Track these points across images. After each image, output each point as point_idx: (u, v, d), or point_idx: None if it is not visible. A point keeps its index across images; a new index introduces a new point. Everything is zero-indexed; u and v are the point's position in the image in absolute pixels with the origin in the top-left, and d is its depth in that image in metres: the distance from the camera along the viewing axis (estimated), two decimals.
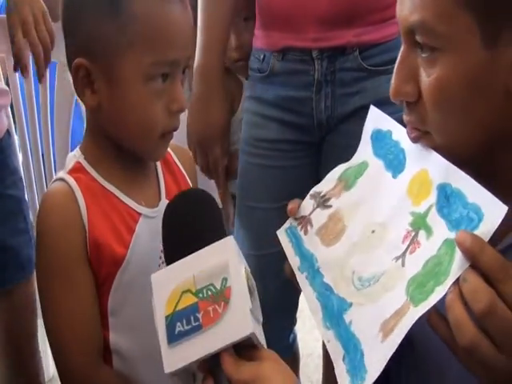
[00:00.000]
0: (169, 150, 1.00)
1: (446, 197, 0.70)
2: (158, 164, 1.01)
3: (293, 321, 1.61)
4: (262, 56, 1.38)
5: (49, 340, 0.91)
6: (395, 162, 0.82)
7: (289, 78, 1.36)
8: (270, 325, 1.41)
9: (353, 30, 1.30)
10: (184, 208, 0.82)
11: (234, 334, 0.69)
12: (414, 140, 0.79)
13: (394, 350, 0.65)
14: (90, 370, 0.90)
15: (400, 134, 0.82)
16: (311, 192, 0.93)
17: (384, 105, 0.86)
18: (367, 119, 0.90)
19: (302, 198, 0.94)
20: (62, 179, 0.90)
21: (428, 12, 0.70)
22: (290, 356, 1.71)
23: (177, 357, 0.71)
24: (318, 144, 1.39)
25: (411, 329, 0.64)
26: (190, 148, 1.45)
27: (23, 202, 1.53)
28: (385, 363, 0.66)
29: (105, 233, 0.89)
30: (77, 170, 0.92)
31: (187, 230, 0.79)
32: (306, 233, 0.90)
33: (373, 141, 0.88)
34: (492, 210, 0.63)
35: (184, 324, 0.71)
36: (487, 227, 0.62)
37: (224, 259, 0.73)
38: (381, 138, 0.87)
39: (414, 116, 0.77)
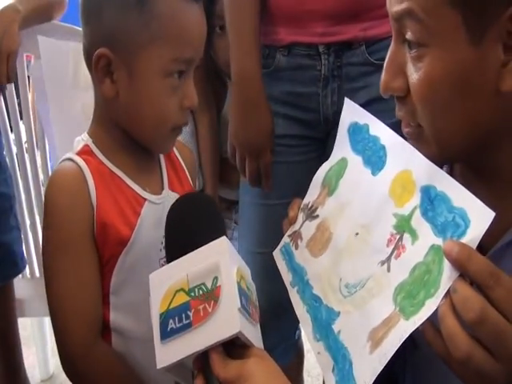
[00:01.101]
0: None
1: (431, 199, 0.68)
2: (161, 157, 1.05)
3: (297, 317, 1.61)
4: (266, 52, 1.38)
5: (51, 317, 0.92)
6: (374, 159, 0.80)
7: (295, 74, 1.36)
8: (278, 322, 1.43)
9: (359, 25, 1.30)
10: (185, 210, 0.85)
11: (222, 333, 0.70)
12: (407, 134, 0.79)
13: (384, 363, 0.64)
14: (87, 347, 0.91)
15: (378, 128, 0.81)
16: (301, 206, 0.93)
17: (390, 99, 0.85)
18: (343, 112, 0.90)
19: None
20: (70, 159, 0.92)
21: (416, 3, 0.71)
22: (296, 352, 1.71)
23: (168, 353, 0.73)
24: (323, 139, 1.38)
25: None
26: (234, 156, 1.42)
27: (13, 199, 1.55)
28: (374, 378, 0.66)
29: (112, 214, 0.91)
30: (85, 153, 0.94)
31: (187, 231, 0.82)
32: (296, 247, 0.90)
33: (350, 135, 0.87)
34: (479, 216, 0.62)
35: (176, 322, 0.73)
36: (474, 234, 0.61)
37: (216, 259, 0.74)
38: (357, 132, 0.86)
39: (404, 110, 0.78)
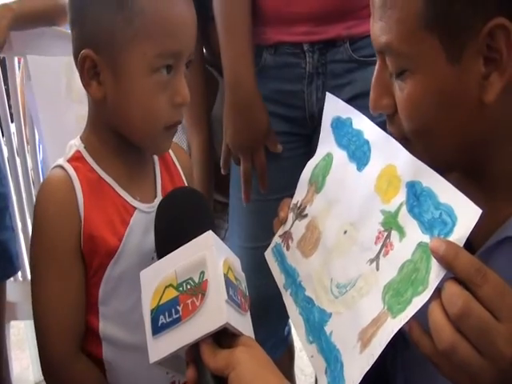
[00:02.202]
0: None
1: (416, 195, 0.68)
2: (157, 162, 1.02)
3: (287, 313, 1.62)
4: (254, 50, 1.38)
5: (34, 326, 0.93)
6: (358, 154, 0.80)
7: (281, 72, 1.37)
8: (266, 317, 1.43)
9: (343, 24, 1.31)
10: (174, 206, 0.86)
11: (210, 325, 0.72)
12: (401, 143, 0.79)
13: (371, 363, 0.65)
14: (67, 359, 0.91)
15: (362, 122, 0.81)
16: (291, 205, 0.93)
17: None
18: (325, 107, 0.90)
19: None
20: (61, 167, 0.91)
21: (392, 35, 0.73)
22: (286, 348, 1.72)
23: (159, 348, 0.74)
24: (310, 135, 1.40)
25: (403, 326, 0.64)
26: (227, 157, 1.44)
27: (8, 199, 1.54)
28: (361, 376, 0.66)
29: (99, 225, 0.90)
30: (76, 159, 0.92)
31: (176, 227, 0.83)
32: (288, 248, 0.90)
33: (333, 129, 0.87)
34: (466, 214, 0.61)
35: (166, 316, 0.74)
36: (462, 232, 0.61)
37: (203, 253, 0.76)
38: (341, 126, 0.85)
39: (394, 127, 0.79)
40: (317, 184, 0.88)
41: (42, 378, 2.21)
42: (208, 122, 1.63)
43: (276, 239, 0.94)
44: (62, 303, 0.90)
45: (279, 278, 0.90)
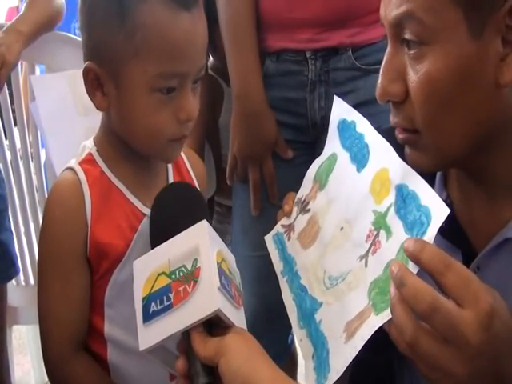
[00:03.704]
0: (181, 154, 1.01)
1: (403, 198, 0.71)
2: (170, 168, 1.01)
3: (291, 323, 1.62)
4: None
5: (39, 323, 0.94)
6: (359, 156, 0.82)
7: (283, 79, 1.38)
8: (270, 325, 1.43)
9: (345, 31, 1.31)
10: (171, 199, 0.87)
11: (201, 311, 0.71)
12: (403, 141, 0.79)
13: (354, 354, 0.67)
14: (67, 359, 0.92)
15: (364, 126, 0.83)
16: (295, 200, 0.95)
17: (376, 103, 0.86)
18: (332, 110, 0.91)
19: None
20: (72, 169, 0.92)
21: (416, 4, 0.71)
22: (288, 357, 1.72)
23: (150, 335, 0.74)
24: (313, 143, 1.40)
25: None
26: (233, 166, 1.45)
27: (7, 200, 1.55)
28: (345, 366, 0.69)
29: (107, 230, 0.90)
30: (88, 162, 0.93)
31: (172, 218, 0.84)
32: (289, 239, 0.93)
33: (339, 131, 0.89)
34: (437, 213, 0.64)
35: (158, 304, 0.74)
36: (433, 231, 0.64)
37: (196, 242, 0.76)
38: (346, 129, 0.87)
39: (401, 116, 0.77)
40: (320, 182, 0.91)
41: (43, 382, 2.24)
42: (203, 132, 1.60)
43: (278, 228, 0.97)
44: (64, 305, 0.91)
45: (278, 265, 0.93)
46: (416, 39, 0.72)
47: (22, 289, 1.85)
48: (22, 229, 1.83)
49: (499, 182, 0.79)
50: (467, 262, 0.79)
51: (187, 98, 0.86)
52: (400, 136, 0.79)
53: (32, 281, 1.89)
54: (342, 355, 0.69)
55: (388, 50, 0.77)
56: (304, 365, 0.79)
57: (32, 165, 1.79)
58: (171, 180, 1.00)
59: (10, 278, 1.60)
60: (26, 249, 1.84)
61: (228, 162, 1.47)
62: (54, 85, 1.50)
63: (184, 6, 0.83)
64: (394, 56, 0.76)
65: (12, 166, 1.76)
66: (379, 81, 0.77)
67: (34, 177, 1.81)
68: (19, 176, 1.78)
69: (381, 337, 0.65)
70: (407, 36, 0.73)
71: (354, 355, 0.67)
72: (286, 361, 1.70)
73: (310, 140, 1.40)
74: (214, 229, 1.94)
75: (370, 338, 0.66)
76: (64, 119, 1.47)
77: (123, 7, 0.82)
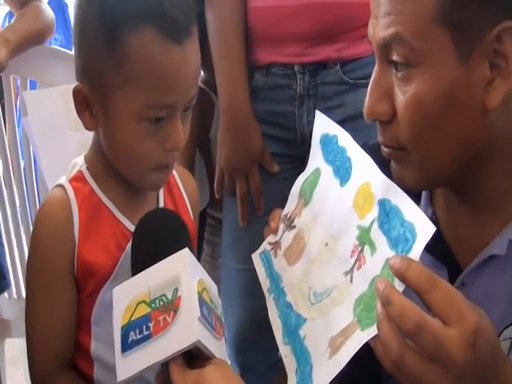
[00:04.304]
0: (173, 172, 1.01)
1: (386, 212, 0.71)
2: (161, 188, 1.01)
3: None
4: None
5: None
6: (342, 170, 0.82)
7: (272, 93, 1.38)
8: (259, 340, 1.43)
9: (333, 46, 1.32)
10: (153, 225, 0.86)
11: (181, 342, 0.70)
12: (389, 156, 0.80)
13: (339, 369, 0.67)
14: (52, 377, 0.91)
15: (346, 140, 0.83)
16: (281, 216, 0.95)
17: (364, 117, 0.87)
18: (315, 124, 0.92)
19: None
20: (62, 187, 0.92)
21: (404, 26, 0.71)
22: (279, 372, 1.71)
23: (128, 366, 0.73)
24: (302, 157, 1.39)
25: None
26: (221, 179, 1.45)
27: None
28: (328, 381, 0.68)
29: (94, 249, 0.90)
30: (78, 179, 0.93)
31: (153, 245, 0.82)
32: (275, 256, 0.92)
33: (322, 145, 0.89)
34: (423, 230, 0.64)
35: (137, 333, 0.73)
36: (418, 248, 0.64)
37: (177, 270, 0.75)
38: (328, 143, 0.88)
39: (388, 136, 0.78)
40: (305, 197, 0.91)
41: None
42: (194, 145, 1.61)
43: (265, 245, 0.97)
44: (50, 322, 0.91)
45: (264, 282, 0.92)
46: (403, 61, 0.73)
47: (15, 302, 1.84)
48: (15, 242, 1.83)
49: (485, 201, 0.80)
50: (453, 278, 0.80)
51: (176, 128, 0.85)
52: (386, 150, 0.80)
53: (24, 294, 1.88)
54: (326, 370, 0.69)
55: (376, 69, 0.78)
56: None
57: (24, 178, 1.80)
58: (161, 199, 1.00)
59: (1, 291, 1.60)
60: (18, 262, 1.84)
61: (215, 174, 1.48)
62: (46, 100, 1.51)
63: (175, 39, 0.82)
64: (382, 76, 0.76)
65: (4, 179, 1.77)
66: (366, 100, 0.77)
67: (25, 191, 1.81)
68: (11, 189, 1.79)
69: (369, 352, 0.65)
70: (395, 57, 0.73)
71: (338, 371, 0.67)
72: (277, 376, 1.69)
73: (299, 154, 1.40)
74: (206, 241, 1.95)
75: (359, 354, 0.66)
76: (56, 134, 1.48)
77: (113, 37, 0.81)
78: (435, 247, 0.71)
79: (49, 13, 1.65)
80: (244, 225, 1.45)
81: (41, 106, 1.51)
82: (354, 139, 0.82)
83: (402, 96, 0.74)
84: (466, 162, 0.76)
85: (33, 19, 1.59)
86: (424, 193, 0.88)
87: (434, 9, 0.70)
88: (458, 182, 0.79)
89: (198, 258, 1.79)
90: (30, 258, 0.93)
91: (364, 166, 0.78)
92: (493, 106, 0.71)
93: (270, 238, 0.96)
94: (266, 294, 0.91)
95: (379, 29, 0.74)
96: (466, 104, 0.72)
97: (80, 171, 0.93)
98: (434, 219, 0.84)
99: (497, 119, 0.73)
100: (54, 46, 1.69)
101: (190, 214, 1.04)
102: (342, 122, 1.20)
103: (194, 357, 0.73)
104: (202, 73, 1.71)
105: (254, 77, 1.39)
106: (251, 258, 0.99)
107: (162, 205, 0.99)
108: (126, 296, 0.77)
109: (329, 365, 0.69)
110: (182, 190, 1.04)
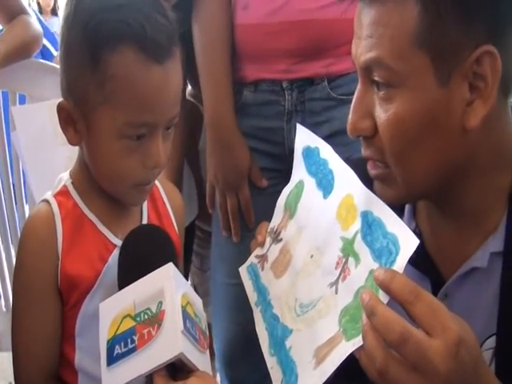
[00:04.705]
0: (157, 184, 1.02)
1: (369, 224, 0.72)
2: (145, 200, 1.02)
3: None
4: (234, 88, 1.41)
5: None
6: (324, 182, 0.84)
7: (261, 109, 1.40)
8: (249, 353, 1.43)
9: (321, 62, 1.34)
10: (139, 241, 0.88)
11: (164, 355, 0.72)
12: (375, 177, 0.82)
13: (324, 379, 0.69)
14: None
15: (327, 152, 0.85)
16: (268, 230, 0.96)
17: None
18: (296, 137, 0.94)
19: None
20: (47, 201, 0.93)
21: (384, 50, 0.73)
22: None
23: (113, 378, 0.74)
24: (291, 171, 1.41)
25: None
26: (212, 194, 1.47)
27: None
28: None
29: (77, 261, 0.91)
30: (62, 194, 0.94)
31: (139, 261, 0.85)
32: (262, 269, 0.93)
33: (304, 157, 0.91)
34: (406, 243, 0.65)
35: (122, 347, 0.75)
36: (402, 261, 0.65)
37: (162, 284, 0.77)
38: (310, 155, 0.89)
39: (372, 149, 0.80)
40: (290, 210, 0.92)
41: None
42: (181, 158, 1.61)
43: (252, 259, 0.98)
44: (35, 336, 0.92)
45: (251, 295, 0.93)
46: (384, 82, 0.75)
47: (4, 315, 1.84)
48: (4, 255, 1.82)
49: (467, 214, 0.81)
50: (435, 289, 0.82)
51: (156, 146, 0.87)
52: (372, 172, 0.82)
53: None
54: (311, 380, 0.71)
55: (358, 87, 0.80)
56: None
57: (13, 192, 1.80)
58: (145, 212, 1.01)
59: None
60: (7, 275, 1.83)
61: (206, 190, 1.49)
62: (34, 115, 1.52)
63: (156, 59, 0.83)
64: (364, 94, 0.78)
65: None
66: (349, 117, 0.79)
67: (14, 205, 1.81)
68: (0, 203, 1.79)
69: (353, 363, 0.67)
70: (376, 78, 0.75)
71: (323, 380, 0.69)
72: None
73: (288, 168, 1.40)
74: (195, 253, 1.94)
75: (344, 365, 0.68)
76: (44, 149, 1.49)
77: (96, 56, 0.83)
78: (418, 260, 0.73)
79: (36, 26, 1.67)
80: (237, 240, 1.46)
81: (29, 120, 1.52)
82: (342, 154, 0.84)
83: (383, 114, 0.76)
84: (447, 178, 0.78)
85: (21, 32, 1.61)
86: (407, 206, 0.89)
87: (413, 33, 0.72)
88: (440, 197, 0.81)
89: (187, 271, 1.81)
90: (15, 273, 0.94)
91: (346, 178, 0.79)
92: (472, 126, 0.73)
93: (257, 252, 0.97)
94: (254, 306, 0.92)
95: (361, 50, 0.76)
96: (445, 124, 0.74)
97: (65, 186, 0.95)
98: (418, 232, 0.86)
99: (477, 137, 0.75)
100: (43, 61, 1.69)
101: (174, 226, 1.05)
102: (329, 137, 1.23)
103: (178, 369, 0.74)
104: (190, 87, 1.74)
105: (243, 93, 1.41)
106: (239, 273, 1.00)
107: (145, 218, 1.00)
108: (111, 310, 0.79)
109: (314, 375, 0.70)
110: (166, 202, 1.05)
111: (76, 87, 0.87)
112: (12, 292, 0.95)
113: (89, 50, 0.83)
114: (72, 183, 0.95)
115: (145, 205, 1.01)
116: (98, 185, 0.93)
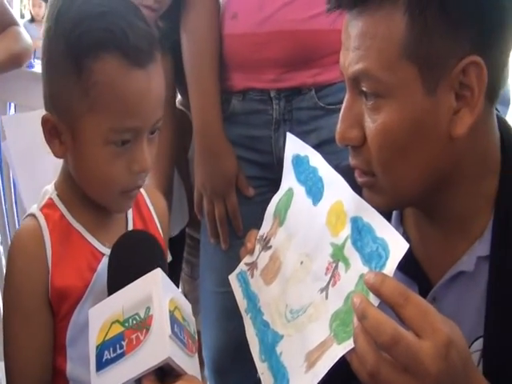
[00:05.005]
0: (142, 191, 1.02)
1: (359, 230, 0.73)
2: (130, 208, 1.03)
3: None
4: (222, 97, 1.43)
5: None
6: (314, 189, 0.85)
7: (249, 118, 1.41)
8: (239, 361, 1.44)
9: (308, 72, 1.35)
10: (128, 247, 0.89)
11: (152, 360, 0.73)
12: (362, 184, 0.83)
13: (316, 382, 0.69)
14: None
15: (317, 160, 0.86)
16: (257, 237, 0.97)
17: None
18: (286, 146, 0.95)
19: None
20: (33, 215, 0.93)
21: (372, 62, 0.74)
22: None
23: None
24: (279, 180, 1.42)
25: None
26: (199, 201, 1.47)
27: None
28: None
29: (66, 273, 0.91)
30: (48, 206, 0.94)
31: (128, 267, 0.85)
32: (252, 276, 0.94)
33: (294, 166, 0.92)
34: (396, 247, 0.67)
35: (111, 352, 0.75)
36: (392, 264, 0.67)
37: (150, 290, 0.77)
38: (300, 163, 0.90)
39: (359, 159, 0.81)
40: (280, 217, 0.93)
41: None
42: (171, 166, 1.60)
43: (242, 266, 0.98)
44: (27, 349, 0.91)
45: (241, 303, 0.94)
46: (372, 93, 0.76)
47: None
48: None
49: (453, 220, 0.83)
50: (423, 293, 0.83)
51: (142, 150, 0.87)
52: (359, 179, 0.83)
53: None
54: (303, 383, 0.72)
55: (346, 97, 0.81)
56: None
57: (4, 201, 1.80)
58: (130, 219, 1.01)
59: None
60: None
61: (194, 197, 1.50)
62: (24, 124, 1.52)
63: (138, 63, 0.84)
64: (353, 103, 0.79)
65: None
66: (338, 126, 0.80)
67: (5, 218, 1.81)
68: None
69: (345, 367, 0.67)
70: (364, 89, 0.76)
71: (315, 383, 0.69)
72: None
73: (276, 177, 1.41)
74: (186, 261, 1.93)
75: (335, 368, 0.68)
76: (34, 158, 1.49)
77: (79, 65, 0.84)
78: (406, 265, 0.74)
79: (27, 37, 1.69)
80: (225, 247, 1.47)
81: (19, 130, 1.52)
82: (330, 162, 0.85)
83: (371, 124, 0.77)
84: (434, 185, 0.79)
85: (12, 42, 1.62)
86: (394, 212, 0.91)
87: (401, 44, 0.73)
88: (427, 203, 0.83)
89: (178, 278, 1.81)
90: (5, 289, 0.93)
91: (336, 185, 0.80)
92: (459, 134, 0.74)
93: (247, 259, 0.97)
94: (244, 313, 0.92)
95: (349, 62, 0.77)
96: (433, 133, 0.75)
97: (50, 198, 0.95)
98: (405, 237, 0.87)
99: (464, 144, 0.76)
100: (33, 70, 1.70)
101: (159, 231, 1.05)
102: (317, 146, 1.23)
103: (166, 373, 0.75)
104: (180, 97, 1.75)
105: (231, 102, 1.43)
106: (228, 281, 1.00)
107: (131, 224, 1.01)
108: (100, 316, 0.79)
109: (306, 378, 0.71)
110: (150, 208, 1.06)
111: (60, 98, 0.87)
112: (3, 307, 0.94)
113: (72, 60, 0.84)
114: (57, 195, 0.95)
115: (130, 211, 1.01)
116: (83, 194, 0.93)
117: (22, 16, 7.16)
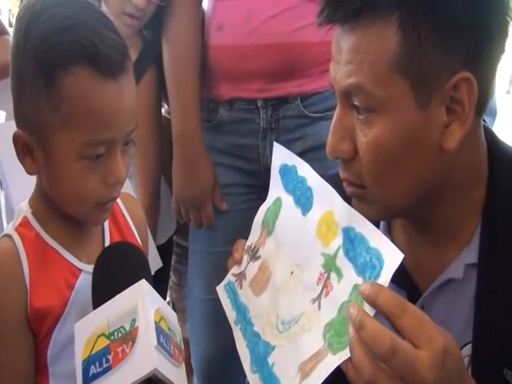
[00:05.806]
0: (118, 200, 1.01)
1: (351, 240, 0.73)
2: (106, 221, 1.00)
3: None
4: (210, 106, 1.44)
5: None
6: (303, 199, 0.85)
7: (236, 127, 1.42)
8: (228, 368, 1.44)
9: (294, 82, 1.37)
10: (112, 260, 0.88)
11: (138, 372, 0.72)
12: (350, 194, 0.83)
13: None
14: None
15: (305, 170, 0.86)
16: (245, 247, 0.96)
17: (324, 148, 0.87)
18: (273, 155, 0.94)
19: None
20: (9, 236, 0.91)
21: (364, 76, 0.74)
22: None
23: None
24: (267, 187, 1.42)
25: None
26: (178, 208, 1.48)
27: None
28: None
29: (44, 292, 0.89)
30: (23, 225, 0.92)
31: (113, 280, 0.84)
32: (241, 287, 0.93)
33: (281, 175, 0.92)
34: (390, 258, 0.67)
35: (97, 366, 0.74)
36: (387, 275, 0.67)
37: (135, 301, 0.77)
38: (287, 173, 0.90)
39: (350, 172, 0.81)
40: (268, 227, 0.92)
41: None
42: (159, 176, 1.61)
43: (229, 277, 0.97)
44: (9, 371, 0.89)
45: (230, 314, 0.93)
46: (364, 107, 0.76)
47: None
48: None
49: (441, 228, 0.84)
50: (412, 301, 0.82)
51: (116, 162, 0.86)
52: (348, 189, 0.83)
53: None
54: None
55: (337, 110, 0.80)
56: None
57: None
58: (107, 230, 0.99)
59: None
60: None
61: (173, 205, 1.50)
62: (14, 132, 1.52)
63: (109, 75, 0.83)
64: (344, 116, 0.79)
65: None
66: (329, 139, 0.80)
67: None
68: None
69: (340, 377, 0.68)
70: (356, 103, 0.76)
71: None
72: None
73: (264, 184, 1.41)
74: (173, 269, 1.93)
75: (330, 378, 0.68)
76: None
77: (49, 80, 0.82)
78: (395, 273, 0.74)
79: None
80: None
81: (9, 137, 1.51)
82: (316, 170, 0.85)
83: (363, 137, 0.77)
84: (424, 196, 0.80)
85: (3, 52, 1.61)
86: (382, 222, 0.91)
87: (393, 60, 0.73)
88: (416, 213, 0.83)
89: (166, 286, 1.80)
90: None
91: (326, 195, 0.80)
92: (450, 147, 0.75)
93: (234, 270, 0.97)
94: (233, 325, 0.92)
95: (340, 76, 0.77)
96: (424, 146, 0.76)
97: (25, 217, 0.93)
98: None
99: (454, 156, 0.77)
100: None
101: (136, 238, 1.04)
102: (302, 154, 1.25)
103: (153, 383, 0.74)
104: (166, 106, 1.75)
105: (219, 111, 1.43)
106: (215, 289, 1.00)
107: (107, 236, 0.99)
108: (86, 330, 0.78)
109: None
110: (126, 215, 1.04)
111: (31, 115, 0.85)
112: None
113: (42, 76, 0.82)
114: (32, 213, 0.93)
115: (106, 223, 1.00)
116: (58, 210, 0.92)
117: (11, 25, 7.09)
